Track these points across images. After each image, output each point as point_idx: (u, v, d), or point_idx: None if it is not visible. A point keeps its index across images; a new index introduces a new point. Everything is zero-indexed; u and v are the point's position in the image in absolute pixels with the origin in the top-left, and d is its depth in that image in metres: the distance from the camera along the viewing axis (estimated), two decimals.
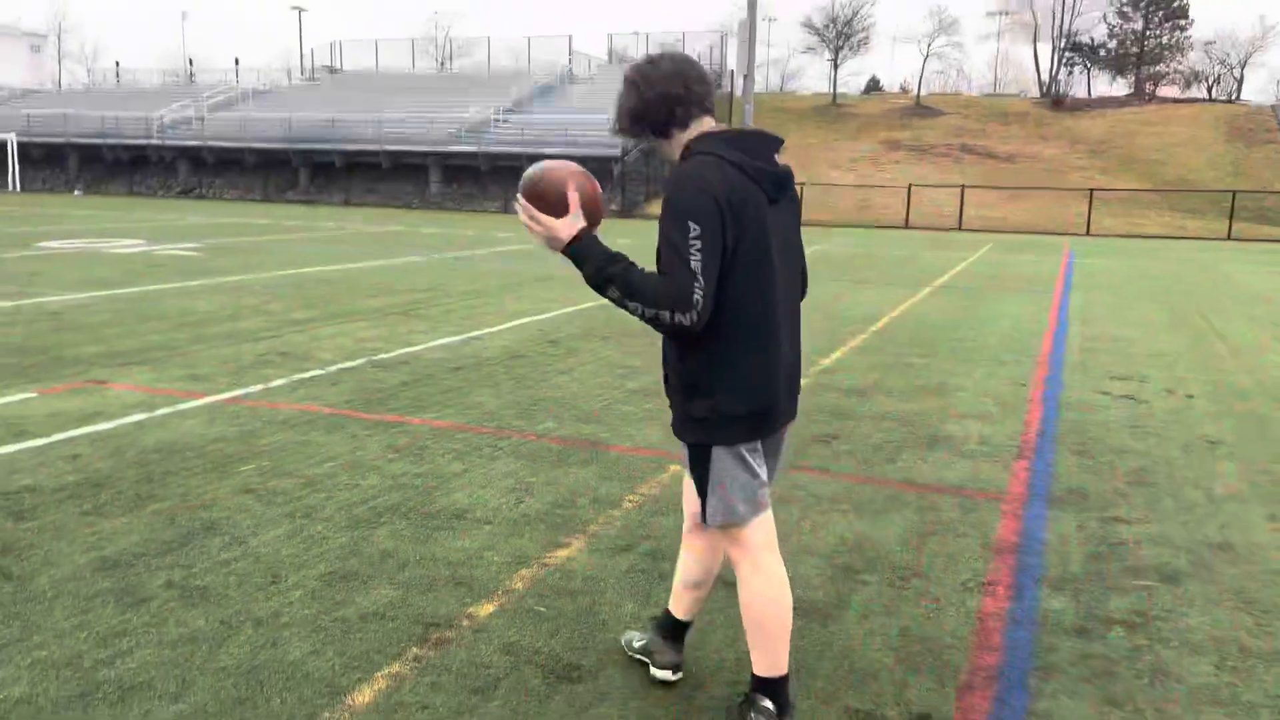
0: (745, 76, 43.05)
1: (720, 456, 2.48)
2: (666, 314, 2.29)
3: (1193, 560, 3.88)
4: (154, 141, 42.73)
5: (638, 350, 8.15)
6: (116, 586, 3.38)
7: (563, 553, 3.82)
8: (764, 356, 2.44)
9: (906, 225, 32.17)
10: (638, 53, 49.26)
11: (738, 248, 2.35)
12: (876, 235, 27.54)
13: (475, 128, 38.38)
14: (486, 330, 8.99)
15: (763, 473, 2.55)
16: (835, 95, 54.06)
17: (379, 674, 2.88)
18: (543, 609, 3.32)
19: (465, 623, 3.21)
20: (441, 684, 2.83)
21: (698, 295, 2.28)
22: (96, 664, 2.88)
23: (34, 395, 6.06)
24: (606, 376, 7.11)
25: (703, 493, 2.54)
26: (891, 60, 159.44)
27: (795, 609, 3.06)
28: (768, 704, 2.57)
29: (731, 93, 46.31)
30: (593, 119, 37.22)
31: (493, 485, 4.60)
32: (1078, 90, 60.29)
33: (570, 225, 2.42)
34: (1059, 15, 57.82)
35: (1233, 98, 57.88)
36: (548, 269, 14.67)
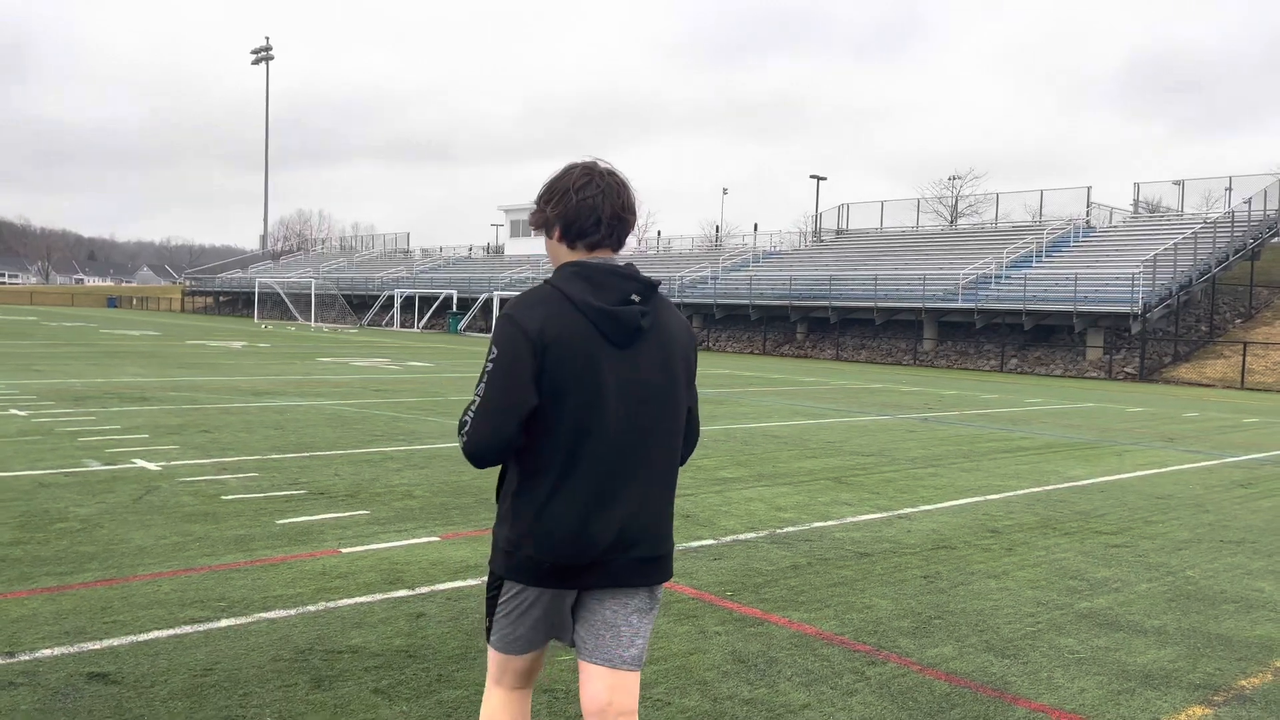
0: None
1: (507, 588, 2.35)
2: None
3: None
4: (673, 300, 47.35)
5: (1110, 556, 6.37)
6: None
7: None
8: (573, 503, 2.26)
9: None
10: (1172, 203, 44.27)
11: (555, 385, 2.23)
12: None
13: (973, 284, 36.84)
14: (920, 508, 7.74)
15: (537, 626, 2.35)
16: None
17: None
18: None
19: None
20: None
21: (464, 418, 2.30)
22: None
23: (436, 539, 6.17)
24: (1050, 589, 5.54)
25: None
26: None
27: None
28: None
29: None
30: (1108, 272, 33.80)
31: None
32: None
33: None
34: None
35: None
36: (1020, 438, 12.85)
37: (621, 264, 2.33)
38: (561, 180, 2.33)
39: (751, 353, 41.17)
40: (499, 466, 2.37)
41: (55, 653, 3.97)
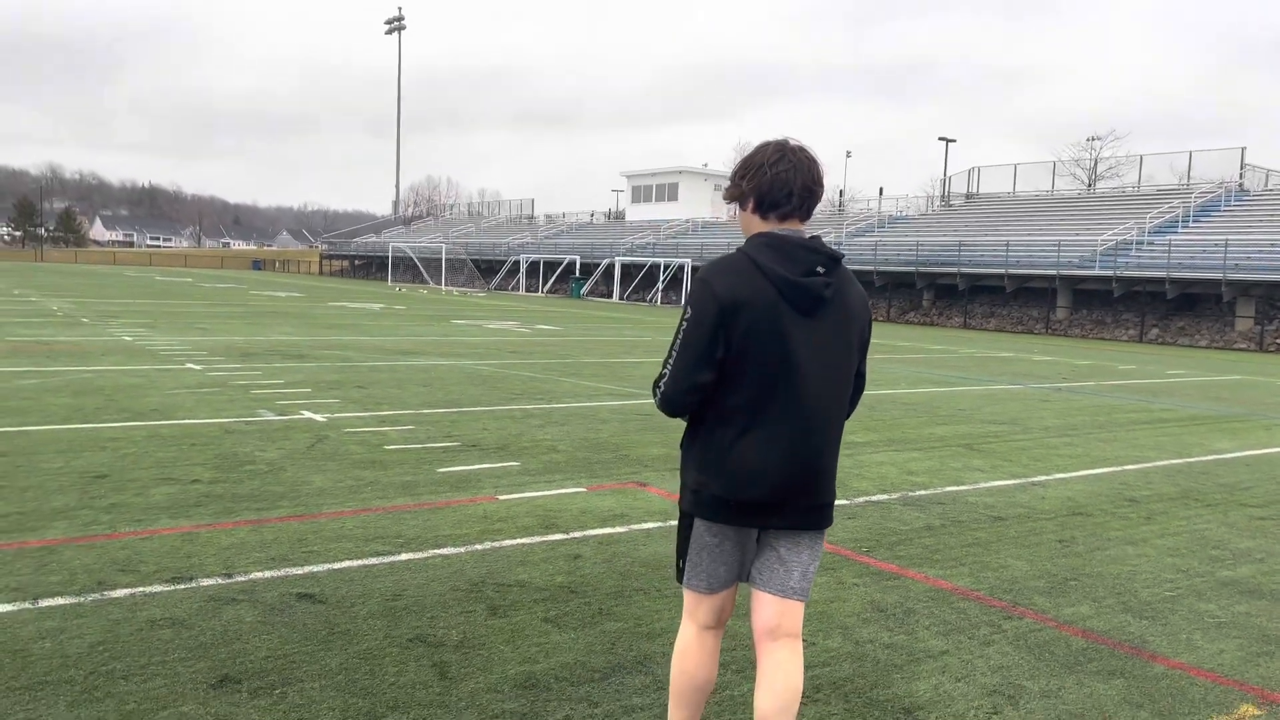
0: None
1: (697, 527, 2.61)
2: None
3: None
4: None
5: (1255, 528, 6.30)
6: (519, 710, 3.29)
7: None
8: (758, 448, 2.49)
9: None
10: None
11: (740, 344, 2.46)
12: None
13: (1112, 250, 35.36)
14: (1054, 476, 7.75)
15: (725, 565, 2.62)
16: None
17: None
18: None
19: None
20: None
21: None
22: None
23: (583, 490, 6.58)
24: (1191, 557, 5.55)
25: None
26: None
27: None
28: None
29: None
30: (1262, 238, 31.93)
31: (970, 679, 3.69)
32: None
33: None
34: None
35: None
36: (1161, 410, 12.51)
37: (808, 236, 2.54)
38: (756, 156, 2.52)
39: (875, 320, 40.57)
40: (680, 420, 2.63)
41: (266, 575, 4.51)
